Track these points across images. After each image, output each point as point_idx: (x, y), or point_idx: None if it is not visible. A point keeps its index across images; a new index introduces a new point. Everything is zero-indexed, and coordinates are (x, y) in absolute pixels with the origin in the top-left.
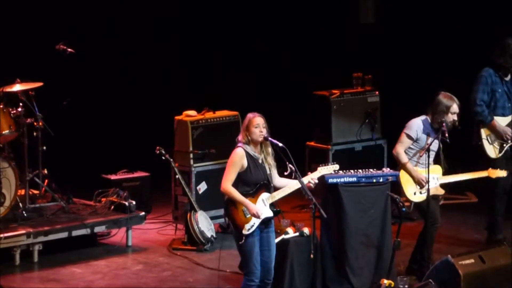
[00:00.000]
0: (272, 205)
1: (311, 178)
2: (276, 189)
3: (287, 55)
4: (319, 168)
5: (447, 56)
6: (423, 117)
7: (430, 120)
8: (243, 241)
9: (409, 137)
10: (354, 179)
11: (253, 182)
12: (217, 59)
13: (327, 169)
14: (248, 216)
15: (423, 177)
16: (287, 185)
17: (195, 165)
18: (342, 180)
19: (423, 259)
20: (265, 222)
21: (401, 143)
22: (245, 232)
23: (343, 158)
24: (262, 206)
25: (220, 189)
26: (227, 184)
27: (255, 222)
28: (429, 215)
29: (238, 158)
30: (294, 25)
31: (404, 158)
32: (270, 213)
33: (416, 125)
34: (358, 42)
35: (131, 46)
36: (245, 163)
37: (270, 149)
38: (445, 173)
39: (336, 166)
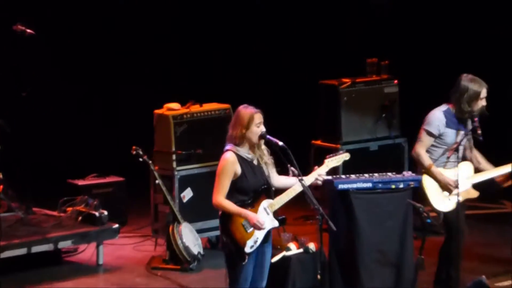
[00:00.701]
0: (276, 214)
1: (318, 175)
2: (277, 191)
3: (289, 39)
4: (326, 161)
5: (474, 36)
6: (444, 107)
7: (454, 110)
8: (246, 261)
9: (429, 133)
10: (369, 184)
11: (251, 189)
12: (204, 43)
13: (336, 161)
14: (250, 230)
15: (451, 181)
16: (291, 187)
17: (178, 168)
18: (354, 186)
19: (450, 279)
20: (268, 236)
21: (421, 142)
22: (247, 250)
23: (355, 159)
24: (265, 216)
25: (212, 203)
26: (219, 197)
27: (258, 237)
28: (453, 225)
29: (229, 165)
30: (298, 5)
31: (426, 159)
32: (275, 223)
33: (437, 118)
34: (370, 24)
35: (104, 27)
36: (238, 169)
37: (264, 147)
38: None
39: (347, 155)
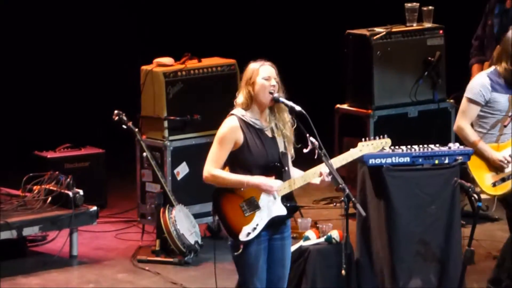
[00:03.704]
0: (286, 199)
1: (343, 160)
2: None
3: None
4: (359, 145)
5: None
6: (489, 69)
7: (501, 71)
8: (240, 251)
9: (473, 102)
10: (407, 159)
11: (255, 164)
12: None
13: (373, 147)
14: (248, 214)
15: (503, 158)
16: (305, 173)
17: (171, 137)
18: (389, 161)
19: (511, 278)
20: (276, 225)
21: (464, 113)
22: (243, 238)
23: (390, 128)
24: (270, 201)
25: (203, 177)
26: (211, 167)
27: (258, 223)
28: None
29: (228, 133)
30: None
31: (471, 134)
32: (282, 211)
33: (479, 83)
34: None
35: None
36: (241, 138)
37: (286, 115)
38: None
39: (387, 142)
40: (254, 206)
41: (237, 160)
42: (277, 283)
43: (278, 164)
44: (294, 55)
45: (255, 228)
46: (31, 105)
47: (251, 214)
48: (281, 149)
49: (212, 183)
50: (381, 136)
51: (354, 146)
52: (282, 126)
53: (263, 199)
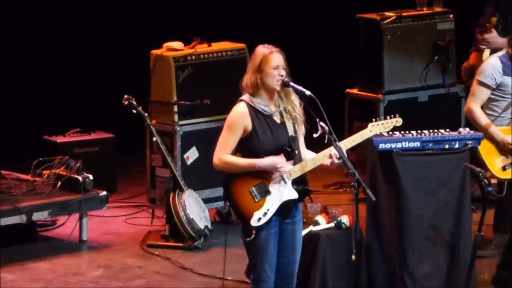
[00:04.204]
0: (297, 183)
1: (353, 141)
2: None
3: None
4: (370, 125)
5: None
6: (501, 52)
7: None
8: (252, 236)
9: (484, 85)
10: (417, 144)
11: (264, 150)
12: None
13: (384, 126)
14: (259, 199)
15: None
16: (315, 157)
17: (181, 122)
18: (399, 145)
19: None
20: (286, 209)
21: (474, 96)
22: (254, 223)
23: (400, 113)
24: (281, 185)
25: (213, 164)
26: (221, 154)
27: (269, 208)
28: None
29: (237, 119)
30: None
31: (482, 117)
32: (293, 194)
33: (491, 66)
34: None
35: None
36: (249, 125)
37: (294, 97)
38: None
39: (398, 121)
40: (264, 191)
41: (246, 147)
42: (288, 267)
43: (288, 148)
44: (304, 40)
45: (266, 213)
46: (41, 90)
47: (262, 199)
48: (291, 133)
49: (222, 169)
50: (392, 116)
51: None
52: (291, 108)
53: (274, 184)
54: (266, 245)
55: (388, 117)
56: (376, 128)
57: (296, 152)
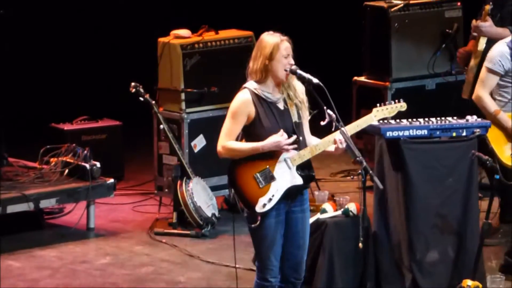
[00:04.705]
0: (302, 169)
1: (357, 126)
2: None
3: None
4: (374, 110)
5: None
6: (508, 38)
7: None
8: (257, 223)
9: (492, 72)
10: (424, 132)
11: (266, 136)
12: None
13: (388, 111)
14: (264, 185)
15: None
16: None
17: (188, 110)
18: (406, 133)
19: None
20: (292, 195)
21: (483, 83)
22: (259, 209)
23: (408, 100)
24: (285, 171)
25: (217, 151)
26: (224, 141)
27: (274, 194)
28: None
29: (240, 106)
30: None
31: (491, 104)
32: (298, 180)
33: (498, 52)
34: None
35: None
36: (252, 111)
37: (296, 82)
38: None
39: (402, 106)
40: (269, 177)
41: (249, 134)
42: (296, 255)
43: (292, 135)
44: (312, 27)
45: (271, 199)
46: (48, 77)
47: (267, 185)
48: (295, 119)
49: (226, 156)
50: (397, 100)
51: None
52: (294, 94)
53: (278, 170)
54: (271, 233)
55: (393, 102)
56: (381, 113)
57: (301, 138)
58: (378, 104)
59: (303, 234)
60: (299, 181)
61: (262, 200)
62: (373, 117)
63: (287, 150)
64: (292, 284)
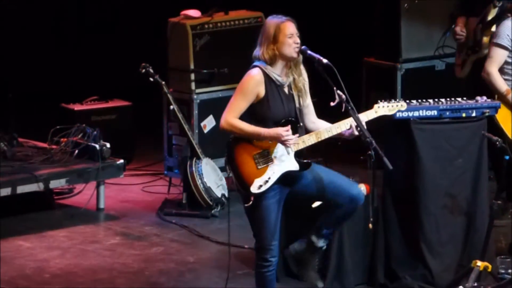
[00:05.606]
0: (299, 155)
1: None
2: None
3: None
4: (376, 106)
5: None
6: None
7: None
8: (250, 203)
9: (501, 47)
10: (434, 112)
11: (271, 119)
12: None
13: (389, 109)
14: (261, 166)
15: None
16: (329, 127)
17: (198, 90)
18: (416, 114)
19: None
20: (287, 180)
21: (492, 59)
22: (254, 190)
23: (417, 81)
24: (284, 155)
25: (220, 124)
26: (230, 116)
27: (270, 177)
28: None
29: (253, 84)
30: None
31: (500, 82)
32: (294, 166)
33: (506, 28)
34: None
35: None
36: (262, 91)
37: (302, 67)
38: None
39: (402, 105)
40: (267, 159)
41: (254, 113)
42: (333, 189)
43: (293, 119)
44: (321, 8)
45: (267, 181)
46: (59, 58)
47: (264, 167)
48: (297, 105)
49: (228, 131)
50: (397, 100)
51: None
52: (297, 79)
53: (277, 153)
54: (267, 214)
55: (393, 101)
56: (382, 109)
57: (301, 124)
58: (379, 101)
59: (322, 173)
60: (295, 167)
61: (258, 181)
62: (374, 113)
63: (286, 145)
64: (352, 207)
